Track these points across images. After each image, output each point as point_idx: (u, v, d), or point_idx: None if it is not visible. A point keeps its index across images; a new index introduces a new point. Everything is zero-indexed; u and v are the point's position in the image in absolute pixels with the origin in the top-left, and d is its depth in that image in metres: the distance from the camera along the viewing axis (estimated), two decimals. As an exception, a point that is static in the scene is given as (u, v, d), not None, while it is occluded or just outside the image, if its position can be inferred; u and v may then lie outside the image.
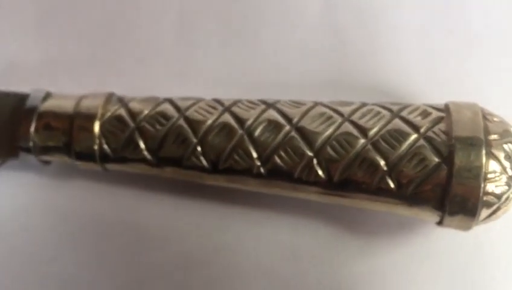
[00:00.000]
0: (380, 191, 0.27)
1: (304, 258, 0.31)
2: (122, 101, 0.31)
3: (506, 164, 0.26)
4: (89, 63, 0.36)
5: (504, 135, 0.26)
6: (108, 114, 0.30)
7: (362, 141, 0.27)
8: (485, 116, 0.27)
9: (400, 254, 0.31)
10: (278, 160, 0.28)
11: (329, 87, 0.34)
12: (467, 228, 0.27)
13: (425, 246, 0.31)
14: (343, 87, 0.34)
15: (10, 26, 0.36)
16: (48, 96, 0.32)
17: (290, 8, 0.35)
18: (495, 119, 0.27)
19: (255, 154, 0.28)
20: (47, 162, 0.32)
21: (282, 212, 0.32)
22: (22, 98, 0.32)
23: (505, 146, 0.26)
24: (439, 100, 0.30)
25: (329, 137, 0.28)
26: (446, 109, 0.28)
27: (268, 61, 0.35)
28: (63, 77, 0.35)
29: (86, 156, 0.30)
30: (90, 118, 0.30)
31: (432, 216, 0.28)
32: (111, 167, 0.31)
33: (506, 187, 0.26)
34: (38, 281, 0.32)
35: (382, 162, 0.27)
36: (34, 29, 0.36)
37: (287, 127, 0.28)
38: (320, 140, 0.28)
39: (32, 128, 0.31)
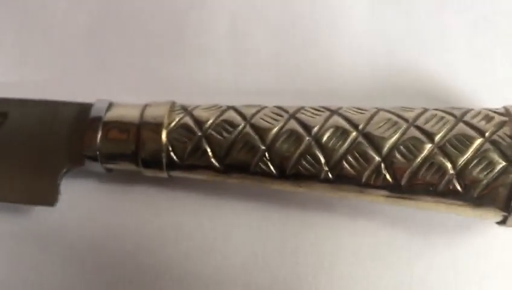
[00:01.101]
0: (447, 194, 0.29)
1: (365, 259, 0.32)
2: (186, 110, 0.32)
3: None
4: (141, 71, 0.36)
5: None
6: (174, 123, 0.31)
7: (429, 145, 0.29)
8: None
9: (458, 253, 0.32)
10: (346, 165, 0.29)
11: (380, 93, 0.35)
12: None
13: (483, 245, 0.32)
14: (393, 92, 0.35)
15: (62, 36, 0.37)
16: (110, 105, 0.32)
17: (337, 17, 0.36)
18: None
19: (323, 160, 0.29)
20: (109, 170, 0.33)
21: (342, 215, 0.33)
22: (84, 108, 0.33)
23: None
24: (486, 103, 0.32)
25: (396, 142, 0.29)
26: (507, 112, 0.29)
27: (318, 68, 0.36)
28: (115, 86, 0.36)
29: (153, 163, 0.31)
30: (157, 126, 0.31)
31: (495, 216, 0.29)
32: (176, 174, 0.32)
33: None
34: (101, 284, 0.33)
35: (449, 166, 0.28)
36: (86, 39, 0.37)
37: (354, 133, 0.29)
38: (387, 145, 0.29)
39: (98, 137, 0.31)
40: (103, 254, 0.33)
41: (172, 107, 0.32)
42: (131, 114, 0.32)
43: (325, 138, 0.29)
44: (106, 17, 0.37)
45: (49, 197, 0.32)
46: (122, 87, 0.36)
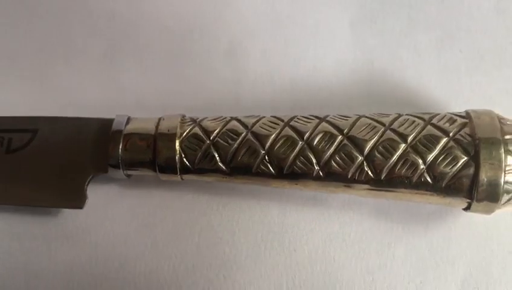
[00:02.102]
0: (419, 186, 0.33)
1: (353, 245, 0.37)
2: (195, 121, 0.36)
3: (520, 158, 0.32)
4: (152, 89, 0.41)
5: (517, 134, 0.33)
6: (186, 133, 0.36)
7: (403, 145, 0.33)
8: (500, 120, 0.33)
9: (432, 236, 0.37)
10: (334, 164, 0.34)
11: (360, 101, 0.40)
12: (490, 211, 0.33)
13: (452, 228, 0.37)
14: (372, 101, 0.40)
15: (82, 61, 0.41)
16: (129, 120, 0.37)
17: (323, 37, 0.41)
18: (508, 122, 0.33)
19: (314, 161, 0.34)
20: (129, 175, 0.38)
21: (333, 207, 0.38)
22: (105, 122, 0.37)
23: (518, 143, 0.33)
24: (451, 108, 0.37)
25: (375, 143, 0.34)
26: (468, 115, 0.34)
27: (307, 82, 0.40)
28: (130, 103, 0.41)
29: (168, 169, 0.36)
30: (171, 137, 0.36)
31: (461, 203, 0.34)
32: (188, 177, 0.36)
33: (522, 176, 0.32)
34: (124, 276, 0.37)
35: (420, 162, 0.33)
36: (102, 63, 0.41)
37: (340, 137, 0.34)
38: (368, 146, 0.34)
39: (120, 148, 0.36)
40: (125, 249, 0.38)
41: (183, 119, 0.37)
42: (147, 126, 0.36)
43: (315, 142, 0.34)
44: (120, 44, 0.41)
45: (77, 201, 0.36)
46: (136, 104, 0.41)
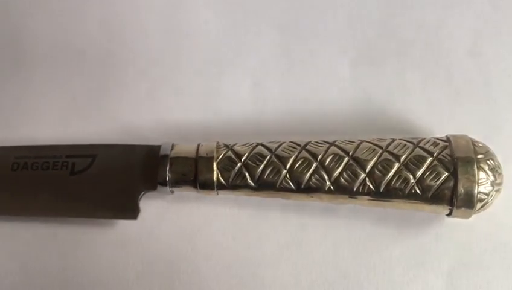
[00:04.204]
0: (410, 196, 0.40)
1: (357, 246, 0.45)
2: (228, 147, 0.44)
3: (490, 173, 0.40)
4: (191, 122, 0.48)
5: (486, 154, 0.40)
6: (221, 156, 0.43)
7: (397, 164, 0.41)
8: (473, 143, 0.41)
9: (422, 238, 0.44)
10: (342, 180, 0.41)
11: (362, 129, 0.47)
12: (468, 216, 0.41)
13: (438, 231, 0.44)
14: (371, 128, 0.47)
15: (131, 99, 0.49)
16: (173, 146, 0.45)
17: (327, 76, 0.48)
18: (480, 144, 0.41)
19: (326, 177, 0.42)
20: (173, 192, 0.45)
21: (341, 216, 0.45)
22: (154, 148, 0.45)
23: (488, 161, 0.40)
24: (434, 133, 0.45)
25: (375, 163, 0.41)
26: (448, 139, 0.42)
27: (317, 114, 0.47)
28: (172, 134, 0.48)
29: (207, 186, 0.43)
30: (209, 160, 0.43)
31: (444, 210, 0.41)
32: (223, 193, 0.44)
33: (491, 188, 0.40)
34: (169, 276, 0.45)
35: (411, 177, 0.40)
36: (149, 101, 0.49)
37: (346, 158, 0.42)
38: (369, 165, 0.41)
39: (167, 169, 0.43)
40: (170, 252, 0.45)
41: (218, 145, 0.44)
42: (189, 151, 0.44)
43: (327, 162, 0.41)
44: (161, 84, 0.49)
45: (132, 213, 0.43)
46: (176, 133, 0.48)
